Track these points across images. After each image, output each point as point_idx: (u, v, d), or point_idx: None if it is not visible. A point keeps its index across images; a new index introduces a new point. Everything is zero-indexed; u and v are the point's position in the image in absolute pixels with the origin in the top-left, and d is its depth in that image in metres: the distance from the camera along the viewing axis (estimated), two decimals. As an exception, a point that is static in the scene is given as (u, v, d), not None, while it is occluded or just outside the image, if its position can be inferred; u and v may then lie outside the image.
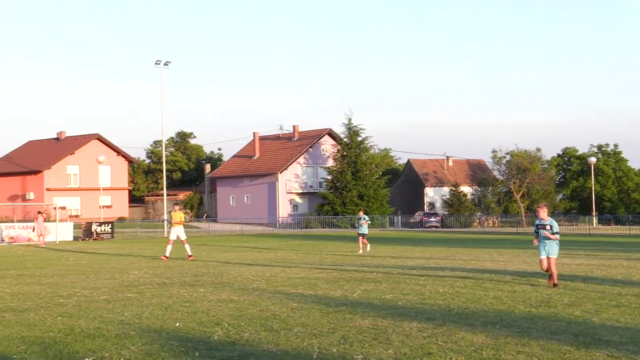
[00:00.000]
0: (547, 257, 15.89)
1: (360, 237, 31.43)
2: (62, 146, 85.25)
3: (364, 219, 31.48)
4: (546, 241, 15.92)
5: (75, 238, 47.11)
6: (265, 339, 10.21)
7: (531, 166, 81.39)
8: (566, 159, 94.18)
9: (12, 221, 53.22)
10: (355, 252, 30.55)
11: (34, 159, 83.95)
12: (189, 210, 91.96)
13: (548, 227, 15.96)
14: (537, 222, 16.39)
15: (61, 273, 21.50)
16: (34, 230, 41.90)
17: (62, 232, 46.47)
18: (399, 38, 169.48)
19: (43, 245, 39.36)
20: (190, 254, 26.93)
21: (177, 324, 11.52)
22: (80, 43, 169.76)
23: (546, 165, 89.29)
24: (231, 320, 11.77)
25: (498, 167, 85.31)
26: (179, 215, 27.35)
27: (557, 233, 15.94)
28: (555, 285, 15.81)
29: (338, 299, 14.47)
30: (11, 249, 36.64)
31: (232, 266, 23.36)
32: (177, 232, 27.12)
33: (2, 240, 43.75)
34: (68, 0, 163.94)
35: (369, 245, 31.22)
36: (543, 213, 16.09)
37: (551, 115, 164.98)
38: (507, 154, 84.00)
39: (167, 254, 26.77)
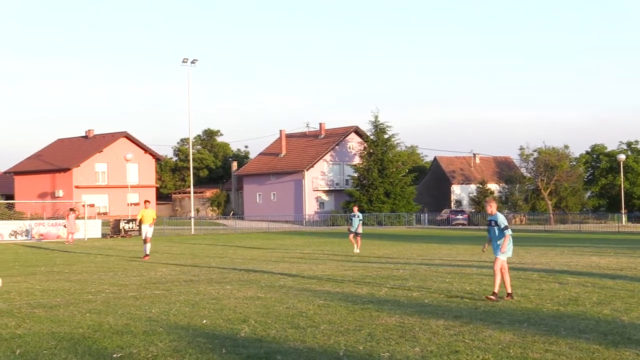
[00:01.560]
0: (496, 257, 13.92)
1: (353, 235, 29.74)
2: (91, 144, 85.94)
3: (358, 217, 29.94)
4: (499, 241, 13.87)
5: (104, 235, 47.51)
6: (292, 336, 10.23)
7: (559, 163, 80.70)
8: (595, 156, 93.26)
9: (42, 218, 53.78)
10: (351, 250, 29.37)
11: (63, 157, 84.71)
12: (215, 208, 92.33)
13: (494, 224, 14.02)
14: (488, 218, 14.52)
15: (89, 270, 21.70)
16: (65, 227, 42.30)
17: (90, 229, 46.91)
18: (426, 35, 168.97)
19: (72, 243, 39.73)
20: (147, 253, 26.43)
21: (204, 321, 11.58)
22: (108, 42, 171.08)
23: (574, 163, 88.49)
24: (258, 318, 11.81)
25: (525, 164, 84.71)
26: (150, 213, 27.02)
27: (505, 228, 13.76)
28: (494, 295, 13.62)
29: (364, 296, 14.47)
30: (41, 246, 37.03)
31: (258, 263, 23.43)
32: (147, 229, 26.60)
33: (32, 237, 44.24)
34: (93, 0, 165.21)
35: (358, 247, 29.28)
36: (490, 208, 14.20)
37: (580, 112, 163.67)
38: (534, 151, 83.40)
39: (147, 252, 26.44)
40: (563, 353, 9.01)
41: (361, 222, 29.96)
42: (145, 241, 26.53)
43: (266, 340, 9.97)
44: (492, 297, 13.56)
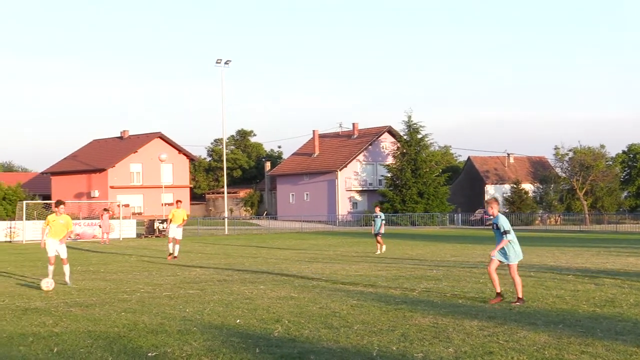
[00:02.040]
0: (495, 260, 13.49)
1: (378, 237, 28.95)
2: (126, 145, 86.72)
3: (380, 217, 29.30)
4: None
5: (138, 235, 47.91)
6: (325, 336, 10.24)
7: (595, 163, 79.79)
8: (631, 155, 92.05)
9: (78, 218, 54.40)
10: (373, 252, 28.82)
11: (99, 158, 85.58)
12: (249, 208, 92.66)
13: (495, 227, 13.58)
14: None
15: (124, 269, 21.90)
16: (100, 227, 42.74)
17: (125, 229, 47.33)
18: (459, 35, 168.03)
19: (107, 243, 40.11)
20: (171, 253, 26.10)
21: (238, 320, 11.63)
22: (142, 43, 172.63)
23: (610, 162, 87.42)
24: (291, 317, 11.83)
25: (560, 164, 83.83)
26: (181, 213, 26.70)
27: (505, 233, 13.33)
28: (498, 295, 13.53)
29: (398, 296, 14.44)
30: (77, 246, 37.47)
31: (292, 263, 23.48)
32: (175, 230, 26.30)
33: (68, 237, 44.70)
34: (130, 2, 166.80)
35: (384, 246, 29.02)
36: (491, 210, 13.69)
37: (616, 111, 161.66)
38: (569, 150, 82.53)
39: (175, 253, 26.06)
40: (599, 355, 8.91)
41: (383, 222, 29.31)
42: (172, 241, 26.19)
43: (299, 340, 9.99)
44: (517, 302, 13.21)
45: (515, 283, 13.50)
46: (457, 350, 9.23)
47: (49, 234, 17.25)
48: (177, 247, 26.15)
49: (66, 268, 17.33)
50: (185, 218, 27.02)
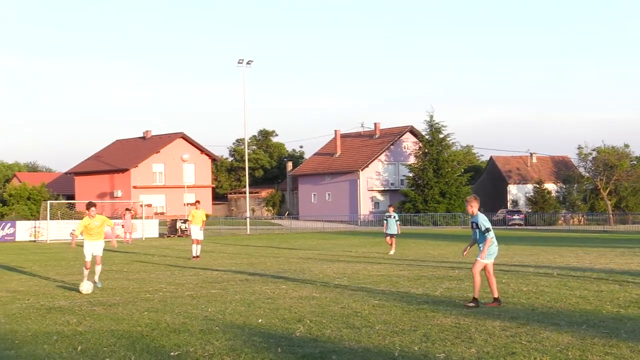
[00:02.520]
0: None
1: (389, 237, 28.42)
2: (148, 145, 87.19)
3: (394, 217, 28.63)
4: (481, 244, 13.23)
5: (161, 235, 48.16)
6: (347, 336, 10.23)
7: (619, 163, 79.12)
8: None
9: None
10: (386, 253, 28.15)
11: (121, 158, 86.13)
12: (270, 208, 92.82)
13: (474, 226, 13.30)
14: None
15: (147, 269, 22.02)
16: (123, 227, 43.03)
17: (148, 229, 47.60)
18: (480, 34, 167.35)
19: (130, 242, 40.36)
20: (195, 255, 26.11)
21: (260, 320, 11.66)
22: (165, 44, 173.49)
23: (635, 162, 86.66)
24: (313, 317, 11.84)
25: (584, 163, 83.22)
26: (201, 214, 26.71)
27: (487, 231, 13.03)
28: (474, 301, 12.95)
29: (420, 296, 14.40)
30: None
31: (313, 263, 23.49)
32: (197, 231, 26.34)
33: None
34: (153, 2, 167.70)
35: (394, 248, 28.27)
36: (470, 208, 13.28)
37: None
38: (593, 150, 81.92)
39: (197, 254, 26.13)
40: (624, 356, 8.84)
41: (398, 222, 28.67)
42: (196, 242, 26.25)
43: (321, 340, 10.00)
44: (471, 304, 12.86)
45: (490, 283, 13.19)
46: (479, 350, 9.20)
47: (86, 238, 16.99)
48: (198, 247, 26.27)
49: (98, 268, 17.17)
50: (205, 219, 27.07)
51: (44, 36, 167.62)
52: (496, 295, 13.13)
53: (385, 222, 28.88)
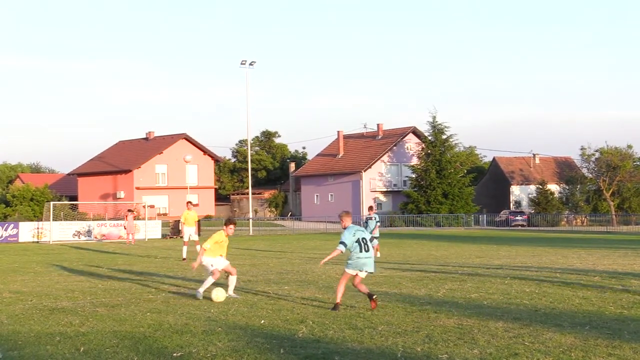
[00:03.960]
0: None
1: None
2: (151, 146, 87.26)
3: (375, 219, 26.55)
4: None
5: (164, 236, 48.17)
6: (350, 337, 10.24)
7: (622, 163, 79.01)
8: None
9: (104, 219, 54.83)
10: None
11: (124, 159, 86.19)
12: (273, 209, 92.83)
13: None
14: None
15: (150, 270, 22.03)
16: (125, 228, 43.05)
17: (151, 230, 47.62)
18: (483, 34, 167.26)
19: (133, 243, 40.38)
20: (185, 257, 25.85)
21: (262, 321, 11.66)
22: (167, 44, 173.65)
23: (638, 163, 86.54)
24: (315, 318, 11.85)
25: (587, 164, 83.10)
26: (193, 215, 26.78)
27: (341, 242, 13.13)
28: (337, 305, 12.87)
29: (422, 297, 14.40)
30: (103, 247, 37.74)
31: (316, 264, 23.47)
32: (192, 233, 26.57)
33: (94, 237, 45.12)
34: (155, 3, 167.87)
35: (378, 252, 26.12)
36: (343, 223, 13.37)
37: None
38: (596, 151, 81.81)
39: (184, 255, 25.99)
40: (627, 357, 8.83)
41: (378, 224, 26.54)
42: (186, 244, 26.31)
43: (324, 340, 10.00)
44: (334, 308, 12.71)
45: (338, 289, 13.01)
46: (482, 351, 9.19)
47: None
48: (198, 247, 26.19)
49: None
50: (197, 220, 27.25)
51: (45, 36, 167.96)
52: (338, 301, 12.88)
53: (365, 224, 26.99)
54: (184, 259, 25.88)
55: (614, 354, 8.98)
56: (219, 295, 14.01)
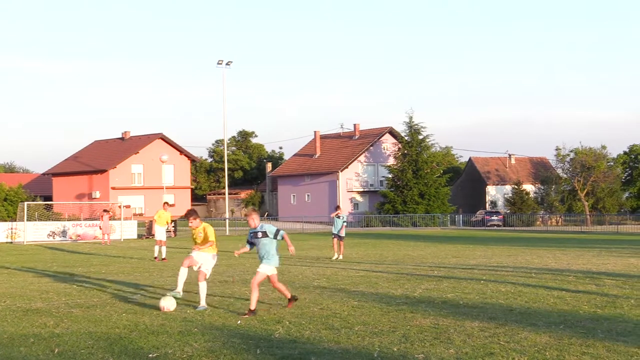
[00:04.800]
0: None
1: (338, 240, 26.44)
2: (127, 146, 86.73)
3: (342, 218, 26.75)
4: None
5: (139, 236, 47.89)
6: (326, 337, 10.24)
7: (596, 164, 79.74)
8: (633, 156, 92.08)
9: (79, 219, 54.41)
10: (330, 256, 26.67)
11: (100, 159, 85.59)
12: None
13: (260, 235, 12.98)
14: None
15: (126, 271, 21.89)
16: (100, 228, 42.75)
17: (126, 230, 47.32)
18: (460, 35, 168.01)
19: (108, 244, 40.12)
20: (157, 256, 26.18)
21: (239, 321, 11.64)
22: (143, 44, 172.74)
23: (612, 163, 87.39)
24: (292, 319, 11.84)
25: (562, 165, 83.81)
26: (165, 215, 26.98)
27: (276, 233, 13.02)
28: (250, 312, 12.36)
29: (399, 297, 14.44)
30: (78, 247, 37.46)
31: (292, 264, 23.46)
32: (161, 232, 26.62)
33: (70, 237, 44.77)
34: (131, 3, 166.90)
35: (341, 253, 26.26)
36: (252, 221, 13.07)
37: (617, 111, 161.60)
38: (571, 151, 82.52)
39: (157, 254, 26.31)
40: (600, 356, 8.91)
41: (345, 224, 26.66)
42: (159, 243, 26.42)
43: (300, 341, 10.00)
44: (247, 314, 12.25)
45: (252, 291, 12.62)
46: (458, 351, 9.23)
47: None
48: (163, 249, 26.47)
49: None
50: (169, 221, 27.49)
51: (19, 36, 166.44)
52: (252, 308, 12.44)
53: (334, 223, 27.08)
54: (155, 258, 26.07)
55: (588, 353, 9.06)
56: (168, 304, 12.87)
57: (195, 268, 13.85)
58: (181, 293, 13.95)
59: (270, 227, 13.01)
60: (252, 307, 12.38)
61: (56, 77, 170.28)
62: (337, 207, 28.27)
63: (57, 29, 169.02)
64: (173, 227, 50.09)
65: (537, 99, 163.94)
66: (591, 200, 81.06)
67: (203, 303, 13.18)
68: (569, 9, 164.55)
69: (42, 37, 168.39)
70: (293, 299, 13.32)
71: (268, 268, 12.89)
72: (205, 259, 13.77)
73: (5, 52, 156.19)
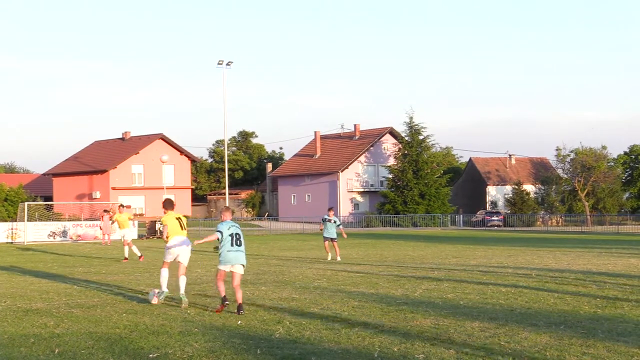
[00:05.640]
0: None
1: (331, 242, 26.18)
2: (127, 146, 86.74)
3: (334, 221, 26.40)
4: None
5: (140, 236, 47.90)
6: (327, 337, 10.24)
7: (596, 164, 79.68)
8: (633, 156, 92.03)
9: (80, 219, 54.41)
10: (325, 258, 26.26)
11: (100, 159, 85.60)
12: (250, 209, 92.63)
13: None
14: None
15: (126, 271, 21.90)
16: (101, 228, 42.73)
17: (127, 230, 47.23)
18: (460, 35, 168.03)
19: (109, 244, 40.12)
20: (127, 256, 26.90)
21: (239, 322, 11.64)
22: (144, 45, 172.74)
23: (612, 163, 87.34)
24: (292, 319, 11.83)
25: (562, 165, 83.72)
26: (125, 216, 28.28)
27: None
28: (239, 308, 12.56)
29: (399, 297, 14.43)
30: (78, 247, 37.46)
31: (293, 264, 23.47)
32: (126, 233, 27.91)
33: (70, 238, 44.78)
34: (132, 3, 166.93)
35: (330, 254, 26.08)
36: (225, 217, 13.35)
37: (617, 112, 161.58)
38: (571, 151, 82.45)
39: (139, 253, 27.00)
40: (601, 356, 8.91)
41: (340, 227, 26.45)
42: (127, 244, 27.27)
43: (301, 341, 9.99)
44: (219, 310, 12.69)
45: (218, 287, 12.99)
46: (458, 351, 9.23)
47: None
48: (126, 248, 27.17)
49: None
50: (131, 217, 29.70)
51: (20, 36, 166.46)
52: (223, 295, 12.88)
53: (323, 223, 26.75)
54: (125, 259, 26.57)
55: (588, 353, 9.06)
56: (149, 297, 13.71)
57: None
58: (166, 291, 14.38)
59: (221, 224, 13.28)
60: (223, 295, 12.81)
61: (56, 77, 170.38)
62: (330, 209, 27.70)
63: (57, 29, 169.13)
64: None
65: (538, 99, 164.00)
66: (591, 201, 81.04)
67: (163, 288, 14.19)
68: (569, 9, 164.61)
69: (43, 37, 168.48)
70: (224, 302, 12.78)
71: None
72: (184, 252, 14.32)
73: (5, 52, 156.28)
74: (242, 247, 12.99)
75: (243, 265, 12.99)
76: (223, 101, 60.53)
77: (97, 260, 26.84)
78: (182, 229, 14.33)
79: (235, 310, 12.41)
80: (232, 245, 12.86)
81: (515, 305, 13.23)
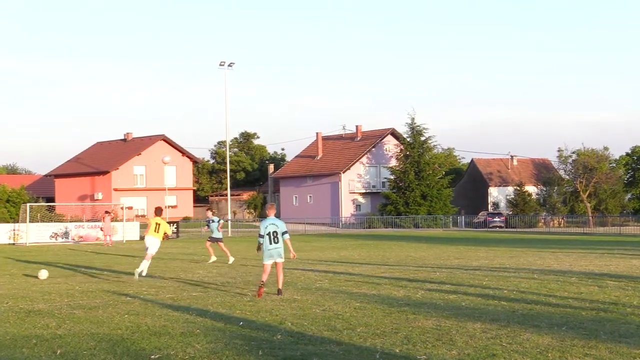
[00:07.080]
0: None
1: (218, 243, 25.88)
2: (129, 147, 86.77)
3: (214, 221, 26.07)
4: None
5: (142, 237, 47.87)
6: (328, 338, 10.24)
7: (598, 165, 79.67)
8: (635, 157, 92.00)
9: (81, 221, 54.44)
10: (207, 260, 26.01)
11: (102, 160, 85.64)
12: (252, 210, 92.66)
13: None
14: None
15: (128, 272, 21.90)
16: (102, 230, 42.80)
17: (128, 231, 47.34)
18: (462, 36, 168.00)
19: (110, 245, 40.15)
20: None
21: (241, 322, 11.64)
22: (146, 45, 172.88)
23: (614, 164, 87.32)
24: (294, 320, 11.84)
25: (564, 166, 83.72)
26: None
27: (285, 233, 15.20)
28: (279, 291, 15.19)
29: (401, 299, 14.43)
30: (80, 248, 37.48)
31: (295, 265, 23.47)
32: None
33: (72, 239, 44.81)
34: (133, 3, 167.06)
35: (229, 255, 25.52)
36: (210, 213, 14.08)
37: (620, 113, 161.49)
38: (573, 152, 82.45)
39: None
40: (603, 358, 8.90)
41: (219, 224, 26.03)
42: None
43: (303, 342, 9.99)
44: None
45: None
46: (460, 352, 9.23)
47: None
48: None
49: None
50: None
51: (20, 36, 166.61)
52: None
53: (207, 226, 26.75)
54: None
55: (590, 354, 9.05)
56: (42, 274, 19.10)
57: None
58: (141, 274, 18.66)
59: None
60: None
61: (58, 78, 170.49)
62: (209, 209, 28.01)
63: (58, 29, 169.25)
64: (176, 228, 50.16)
65: (539, 100, 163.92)
66: (593, 202, 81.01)
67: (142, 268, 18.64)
68: (570, 9, 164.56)
69: (43, 37, 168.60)
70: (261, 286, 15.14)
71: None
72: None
73: (5, 52, 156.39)
74: (280, 243, 15.05)
75: (281, 256, 15.15)
76: (225, 102, 60.59)
77: (99, 261, 26.85)
78: (155, 231, 19.07)
79: (276, 292, 14.99)
80: (270, 243, 14.98)
81: (517, 306, 13.23)
